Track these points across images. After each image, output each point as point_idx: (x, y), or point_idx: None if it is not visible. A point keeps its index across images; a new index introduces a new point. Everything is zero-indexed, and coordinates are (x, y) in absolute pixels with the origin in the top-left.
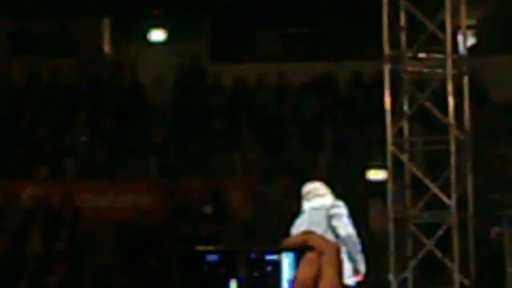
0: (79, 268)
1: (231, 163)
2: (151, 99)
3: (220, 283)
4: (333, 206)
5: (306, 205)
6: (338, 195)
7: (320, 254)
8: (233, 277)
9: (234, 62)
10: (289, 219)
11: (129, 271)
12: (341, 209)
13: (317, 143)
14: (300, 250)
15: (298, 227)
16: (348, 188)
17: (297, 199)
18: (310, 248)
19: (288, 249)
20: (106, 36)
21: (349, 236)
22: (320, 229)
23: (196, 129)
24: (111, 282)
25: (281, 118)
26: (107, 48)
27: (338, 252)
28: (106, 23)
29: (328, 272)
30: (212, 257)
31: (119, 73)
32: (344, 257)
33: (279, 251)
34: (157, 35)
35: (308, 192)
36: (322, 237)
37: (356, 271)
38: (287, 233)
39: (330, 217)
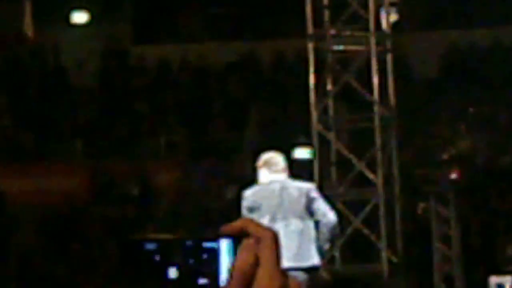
0: (3, 252)
1: (157, 144)
2: (74, 82)
3: (158, 271)
4: (312, 189)
5: (268, 176)
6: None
7: (258, 241)
8: (170, 265)
9: (157, 43)
10: (239, 191)
11: (52, 255)
12: (318, 192)
13: (242, 123)
14: (238, 237)
15: (264, 199)
16: None
17: (226, 178)
18: (247, 235)
19: (225, 236)
20: (28, 18)
21: (329, 222)
22: (297, 208)
23: (120, 111)
24: (34, 265)
25: (206, 98)
26: (28, 30)
27: (275, 238)
28: (27, 5)
29: (266, 259)
30: (149, 246)
31: (41, 56)
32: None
33: (216, 239)
34: (79, 17)
35: (273, 163)
36: (259, 224)
37: (322, 256)
38: (238, 206)
39: (310, 200)
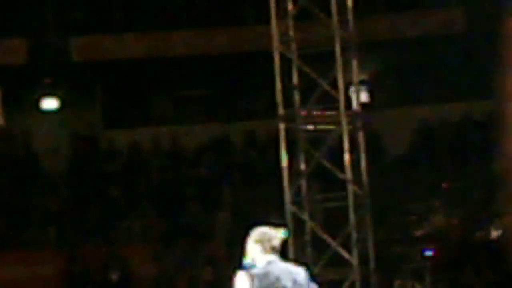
0: None
1: (131, 228)
2: (46, 168)
3: None
4: (307, 274)
5: (261, 256)
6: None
7: None
8: None
9: (128, 127)
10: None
11: None
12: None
13: (216, 204)
14: None
15: (276, 283)
16: None
17: (200, 260)
18: None
19: None
20: None
21: None
22: None
23: (93, 196)
24: None
25: (178, 181)
26: None
27: None
28: None
29: None
30: None
31: (12, 143)
32: None
33: None
34: (49, 103)
35: (269, 241)
36: None
37: None
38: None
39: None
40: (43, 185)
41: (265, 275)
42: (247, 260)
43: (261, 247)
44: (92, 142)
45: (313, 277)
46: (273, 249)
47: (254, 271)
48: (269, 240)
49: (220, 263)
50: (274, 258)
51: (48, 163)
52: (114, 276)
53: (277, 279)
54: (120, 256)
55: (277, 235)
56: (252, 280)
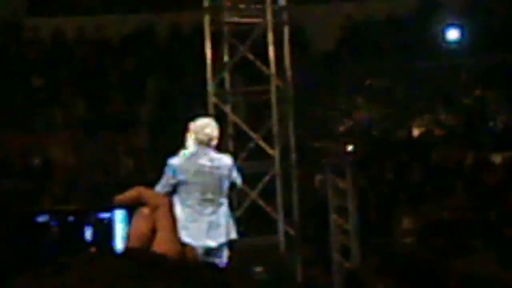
0: None
1: (52, 118)
2: None
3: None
4: (233, 165)
5: (192, 146)
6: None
7: (153, 209)
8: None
9: (51, 16)
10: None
11: None
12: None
13: (139, 96)
14: (132, 206)
15: (195, 174)
16: (172, 140)
17: (122, 151)
18: (142, 204)
19: (119, 207)
20: None
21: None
22: (225, 186)
23: (15, 84)
24: None
25: (102, 71)
26: None
27: (171, 206)
28: None
29: (163, 226)
30: (42, 218)
31: None
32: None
33: (110, 209)
34: None
35: (202, 133)
36: (153, 192)
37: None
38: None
39: (233, 176)
40: None
41: (183, 165)
42: (184, 150)
43: (193, 139)
44: (15, 28)
45: (239, 168)
46: (204, 140)
47: (172, 162)
48: (201, 131)
49: (142, 154)
50: (206, 150)
51: None
52: (36, 161)
53: (198, 165)
54: (41, 144)
55: (212, 128)
56: (172, 170)
